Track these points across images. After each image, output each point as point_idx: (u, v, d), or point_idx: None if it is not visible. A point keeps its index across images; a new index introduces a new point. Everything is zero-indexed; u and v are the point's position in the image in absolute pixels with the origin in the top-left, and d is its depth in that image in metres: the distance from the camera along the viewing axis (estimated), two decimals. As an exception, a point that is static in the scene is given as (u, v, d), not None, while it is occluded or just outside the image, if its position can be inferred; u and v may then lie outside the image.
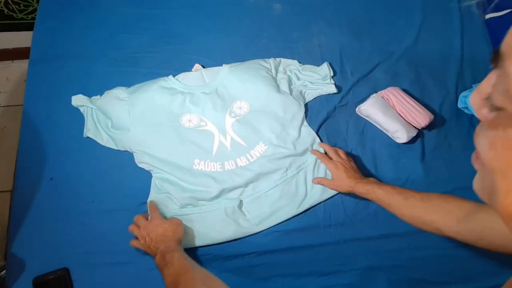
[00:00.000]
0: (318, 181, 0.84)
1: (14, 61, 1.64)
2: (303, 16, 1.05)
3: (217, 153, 0.86)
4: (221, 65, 0.95)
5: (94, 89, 0.93)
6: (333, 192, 0.85)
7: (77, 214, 0.81)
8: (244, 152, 0.87)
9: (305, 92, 0.95)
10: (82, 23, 1.00)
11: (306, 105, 0.94)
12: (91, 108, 0.89)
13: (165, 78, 0.91)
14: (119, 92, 0.90)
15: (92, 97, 0.91)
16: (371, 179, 0.81)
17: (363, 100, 0.94)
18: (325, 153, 0.87)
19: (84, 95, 0.91)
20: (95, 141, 0.87)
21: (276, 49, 1.01)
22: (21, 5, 1.39)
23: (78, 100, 0.90)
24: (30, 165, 0.85)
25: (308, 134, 0.90)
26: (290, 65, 0.97)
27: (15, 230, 0.79)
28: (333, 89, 0.95)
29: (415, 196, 0.71)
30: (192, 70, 0.95)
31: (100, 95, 0.91)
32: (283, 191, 0.85)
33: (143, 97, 0.88)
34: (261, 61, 0.96)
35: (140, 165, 0.85)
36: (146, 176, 0.85)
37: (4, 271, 0.78)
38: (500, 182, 0.23)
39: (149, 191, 0.84)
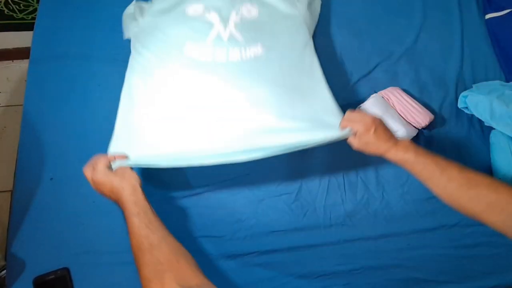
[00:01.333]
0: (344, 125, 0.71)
1: (14, 61, 1.64)
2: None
3: (212, 41, 0.83)
4: None
5: (94, 89, 0.93)
6: (339, 134, 0.71)
7: (77, 214, 0.81)
8: (238, 46, 0.83)
9: None
10: (82, 23, 1.00)
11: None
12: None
13: None
14: None
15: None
16: (405, 142, 0.69)
17: (363, 100, 0.94)
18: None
19: (84, 95, 0.92)
20: (95, 141, 0.87)
21: (276, 49, 1.01)
22: (21, 5, 1.39)
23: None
24: (30, 165, 0.85)
25: (309, 58, 0.87)
26: None
27: (15, 230, 0.79)
28: None
29: (459, 180, 0.62)
30: None
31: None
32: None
33: None
34: None
35: (132, 53, 0.86)
36: (146, 176, 0.85)
37: (4, 271, 0.78)
38: None
39: (149, 191, 0.84)
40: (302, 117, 0.76)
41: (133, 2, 0.95)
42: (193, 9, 0.88)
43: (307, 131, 0.73)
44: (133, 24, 0.91)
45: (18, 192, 0.83)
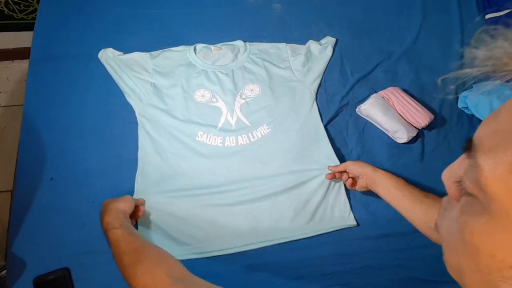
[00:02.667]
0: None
1: (14, 61, 1.64)
2: (303, 16, 1.05)
3: (221, 128, 0.89)
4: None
5: (94, 89, 0.93)
6: (352, 223, 0.83)
7: (77, 214, 0.81)
8: (247, 131, 0.89)
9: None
10: (82, 23, 1.00)
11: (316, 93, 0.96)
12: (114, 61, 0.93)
13: (187, 50, 0.97)
14: (143, 60, 0.94)
15: (117, 55, 0.95)
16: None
17: (363, 100, 0.94)
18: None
19: (84, 95, 0.92)
20: (95, 141, 0.87)
21: (276, 49, 1.01)
22: (21, 5, 1.39)
23: (104, 55, 0.94)
24: (30, 165, 0.85)
25: (313, 121, 0.91)
26: (301, 48, 1.00)
27: (15, 230, 0.79)
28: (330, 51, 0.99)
29: (410, 196, 0.71)
30: (212, 49, 0.98)
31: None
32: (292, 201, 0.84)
33: (167, 73, 0.93)
34: (278, 46, 1.00)
35: (139, 133, 0.87)
36: (146, 176, 0.85)
37: (5, 271, 0.78)
38: (465, 264, 0.24)
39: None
40: (309, 173, 0.85)
41: (110, 50, 0.95)
42: (200, 95, 0.92)
43: (316, 228, 0.83)
44: (134, 99, 0.90)
45: (18, 192, 0.83)
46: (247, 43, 0.99)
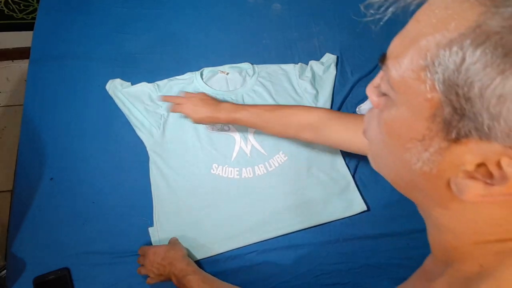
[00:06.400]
0: (173, 109, 0.84)
1: (14, 61, 1.64)
2: (303, 16, 1.05)
3: (236, 158, 0.87)
4: (222, 65, 0.96)
5: (94, 89, 0.93)
6: (359, 209, 0.84)
7: (77, 214, 0.81)
8: (263, 160, 0.87)
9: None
10: (82, 23, 1.00)
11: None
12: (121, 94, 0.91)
13: (194, 77, 0.94)
14: (151, 91, 0.92)
15: (126, 86, 0.92)
16: (227, 104, 0.82)
17: (363, 100, 0.94)
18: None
19: (84, 95, 0.92)
20: (95, 141, 0.87)
21: (276, 49, 1.01)
22: (21, 5, 1.39)
23: (112, 87, 0.92)
24: (30, 165, 0.85)
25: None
26: (307, 70, 0.98)
27: (15, 230, 0.79)
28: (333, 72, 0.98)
29: (267, 108, 0.79)
30: (219, 73, 0.96)
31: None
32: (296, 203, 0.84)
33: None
34: (286, 68, 0.98)
35: (151, 166, 0.85)
36: (146, 176, 0.85)
37: (4, 271, 0.78)
38: (384, 151, 0.32)
39: (148, 190, 0.84)
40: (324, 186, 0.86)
41: (118, 81, 0.93)
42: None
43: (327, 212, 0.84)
44: (145, 133, 0.88)
45: (18, 192, 0.83)
46: (255, 66, 0.97)
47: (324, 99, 0.95)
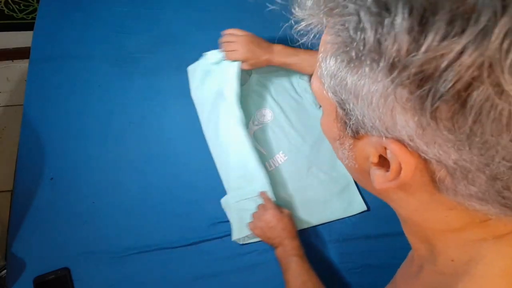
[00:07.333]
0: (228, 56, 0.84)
1: (14, 61, 1.65)
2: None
3: None
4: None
5: (94, 89, 0.93)
6: (359, 209, 0.84)
7: (77, 214, 0.81)
8: (263, 160, 0.87)
9: None
10: (82, 23, 1.00)
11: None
12: None
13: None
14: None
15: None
16: (278, 47, 0.84)
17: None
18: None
19: (84, 95, 0.92)
20: (95, 141, 0.87)
21: (276, 49, 1.01)
22: (21, 5, 1.40)
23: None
24: (30, 165, 0.85)
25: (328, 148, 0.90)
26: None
27: (15, 230, 0.79)
28: None
29: None
30: None
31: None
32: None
33: None
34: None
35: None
36: (146, 176, 0.85)
37: (4, 271, 0.78)
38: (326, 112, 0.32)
39: (149, 190, 0.84)
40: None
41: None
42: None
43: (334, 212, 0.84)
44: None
45: (18, 192, 0.83)
46: None
47: None
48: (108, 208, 0.82)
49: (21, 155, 0.86)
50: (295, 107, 0.94)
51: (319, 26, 0.28)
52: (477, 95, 0.19)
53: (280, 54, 0.83)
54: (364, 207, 0.84)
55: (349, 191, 0.86)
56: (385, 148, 0.26)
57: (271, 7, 0.33)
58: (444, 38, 0.18)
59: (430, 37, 0.19)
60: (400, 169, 0.25)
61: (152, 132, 0.90)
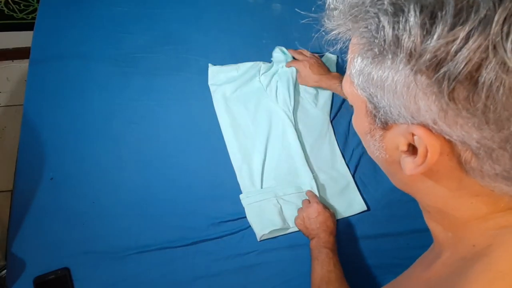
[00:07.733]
0: (289, 64, 0.93)
1: (14, 61, 1.64)
2: (303, 16, 1.05)
3: None
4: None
5: (94, 89, 0.93)
6: (359, 209, 0.85)
7: (77, 214, 0.81)
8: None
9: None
10: (82, 23, 1.00)
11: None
12: None
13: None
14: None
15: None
16: (335, 74, 0.91)
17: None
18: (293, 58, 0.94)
19: (84, 95, 0.92)
20: (95, 141, 0.88)
21: (276, 49, 1.01)
22: (21, 5, 1.39)
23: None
24: (30, 165, 0.85)
25: (329, 143, 0.92)
26: None
27: (15, 230, 0.79)
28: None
29: None
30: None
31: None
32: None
33: None
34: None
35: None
36: (146, 176, 0.85)
37: (4, 271, 0.78)
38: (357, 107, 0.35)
39: (149, 190, 0.84)
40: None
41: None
42: None
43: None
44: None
45: (18, 192, 0.83)
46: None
47: (324, 99, 0.95)
48: (108, 208, 0.82)
49: (21, 155, 0.86)
50: (295, 107, 0.94)
51: (347, 33, 0.30)
52: (486, 74, 0.21)
53: (332, 80, 0.88)
54: (364, 207, 0.84)
55: (349, 191, 0.86)
56: (413, 135, 0.28)
57: (303, 21, 0.39)
58: (452, 28, 0.22)
59: (439, 28, 0.22)
60: (427, 152, 0.27)
61: (151, 132, 0.90)
